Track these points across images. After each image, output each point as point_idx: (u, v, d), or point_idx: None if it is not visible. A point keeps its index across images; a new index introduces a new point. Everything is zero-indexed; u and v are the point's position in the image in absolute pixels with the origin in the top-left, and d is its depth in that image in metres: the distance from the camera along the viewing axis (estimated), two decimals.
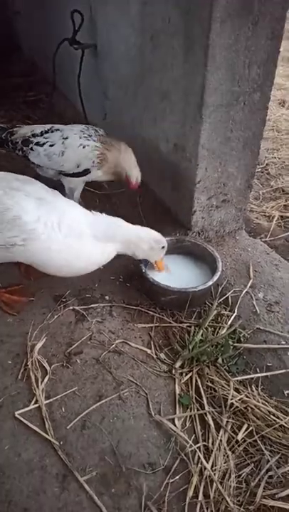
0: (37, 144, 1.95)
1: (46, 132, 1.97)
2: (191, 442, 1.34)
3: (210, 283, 1.69)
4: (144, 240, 1.65)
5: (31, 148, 1.96)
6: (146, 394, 1.47)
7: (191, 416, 1.42)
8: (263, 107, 1.75)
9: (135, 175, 1.94)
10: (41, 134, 1.97)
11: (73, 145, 1.91)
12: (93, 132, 1.97)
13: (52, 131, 1.97)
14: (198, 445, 1.34)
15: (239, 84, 1.63)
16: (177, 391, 1.48)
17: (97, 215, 1.62)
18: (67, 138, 1.92)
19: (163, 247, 1.71)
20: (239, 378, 1.52)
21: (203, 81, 1.58)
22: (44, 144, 1.94)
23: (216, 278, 1.71)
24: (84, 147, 1.90)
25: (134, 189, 1.99)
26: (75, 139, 1.92)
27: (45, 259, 1.53)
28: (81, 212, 1.61)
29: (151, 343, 1.65)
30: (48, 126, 2.01)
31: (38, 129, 2.01)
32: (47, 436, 1.34)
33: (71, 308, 1.77)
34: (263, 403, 1.44)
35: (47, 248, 1.48)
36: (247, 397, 1.46)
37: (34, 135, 1.98)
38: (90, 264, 1.61)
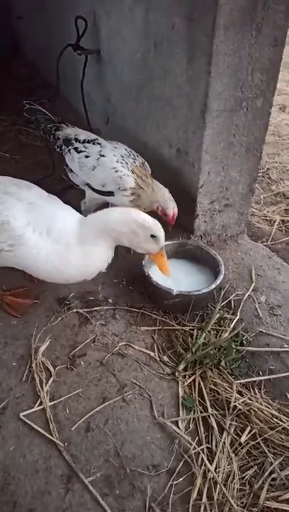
0: (75, 149, 1.94)
1: (88, 142, 1.95)
2: (194, 444, 1.35)
3: (213, 286, 1.70)
4: (118, 221, 1.41)
5: (69, 150, 1.97)
6: (149, 396, 1.48)
7: (194, 418, 1.43)
8: (266, 113, 1.77)
9: (172, 207, 1.83)
10: (83, 141, 1.95)
11: (106, 165, 1.85)
12: (132, 161, 1.89)
13: (93, 144, 1.93)
14: (202, 447, 1.35)
15: (242, 90, 1.66)
16: (180, 393, 1.49)
17: (87, 217, 1.51)
18: (104, 156, 1.87)
19: (153, 236, 1.44)
20: (242, 381, 1.53)
21: (207, 87, 1.61)
22: (81, 151, 1.92)
23: (218, 281, 1.73)
24: (116, 171, 1.84)
25: (170, 223, 1.86)
26: (111, 160, 1.85)
27: (33, 265, 1.48)
28: (73, 218, 1.51)
29: (155, 345, 1.66)
30: (92, 137, 1.99)
31: (83, 135, 2.00)
32: (51, 437, 1.35)
33: (75, 310, 1.78)
34: (265, 406, 1.45)
35: (35, 254, 1.43)
36: (250, 399, 1.47)
37: (76, 139, 1.97)
38: (81, 272, 1.51)
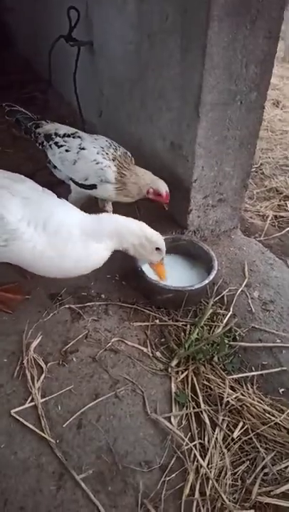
0: (55, 144, 1.93)
1: (68, 136, 1.93)
2: (187, 440, 1.34)
3: (206, 282, 1.69)
4: (134, 233, 1.53)
5: (50, 146, 1.96)
6: (142, 392, 1.47)
7: (187, 414, 1.43)
8: (260, 106, 1.76)
9: (163, 186, 1.83)
10: (63, 135, 1.94)
11: (87, 158, 1.84)
12: (112, 151, 1.86)
13: (73, 137, 1.92)
14: (194, 443, 1.34)
15: (236, 83, 1.64)
16: (173, 389, 1.48)
17: (91, 215, 1.54)
18: (84, 149, 1.86)
19: (158, 249, 1.60)
20: (235, 376, 1.52)
21: (201, 79, 1.59)
22: (61, 146, 1.91)
23: (211, 277, 1.72)
24: (97, 163, 1.82)
25: (166, 201, 1.85)
26: (91, 152, 1.84)
27: (30, 259, 1.48)
28: (73, 212, 1.54)
29: (148, 341, 1.65)
30: (72, 130, 1.98)
31: (63, 129, 1.99)
32: (43, 434, 1.34)
33: (67, 306, 1.76)
34: (258, 401, 1.45)
35: (30, 248, 1.43)
36: (242, 395, 1.46)
37: (56, 134, 1.96)
38: (80, 266, 1.54)
